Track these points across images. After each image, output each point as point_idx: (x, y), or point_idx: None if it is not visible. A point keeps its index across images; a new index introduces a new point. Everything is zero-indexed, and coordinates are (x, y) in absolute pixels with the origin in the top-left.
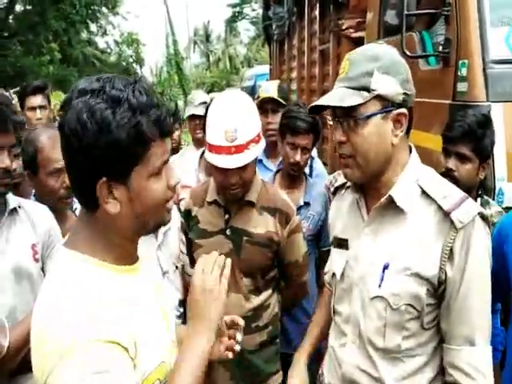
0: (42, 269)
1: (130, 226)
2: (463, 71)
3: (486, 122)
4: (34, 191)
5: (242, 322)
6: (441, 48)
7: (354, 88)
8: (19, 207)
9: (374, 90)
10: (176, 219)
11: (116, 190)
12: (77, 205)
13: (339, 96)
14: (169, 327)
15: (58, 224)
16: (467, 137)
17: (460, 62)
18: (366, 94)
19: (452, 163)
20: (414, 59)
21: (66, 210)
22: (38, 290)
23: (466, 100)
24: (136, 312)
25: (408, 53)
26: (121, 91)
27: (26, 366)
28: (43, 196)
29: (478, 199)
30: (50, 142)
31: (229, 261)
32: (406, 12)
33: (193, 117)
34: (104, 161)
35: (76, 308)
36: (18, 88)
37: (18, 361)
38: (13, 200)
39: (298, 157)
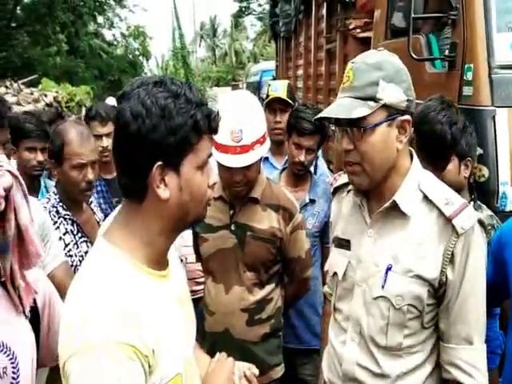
0: None
1: (174, 216)
2: (469, 75)
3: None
4: (55, 181)
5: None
6: (447, 52)
7: (360, 98)
8: None
9: (380, 100)
10: None
11: (168, 176)
12: (92, 198)
13: (346, 107)
14: (188, 340)
15: (75, 214)
16: None
17: (466, 66)
18: (372, 103)
19: None
20: (421, 62)
21: (83, 202)
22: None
23: (471, 104)
24: (159, 321)
25: (414, 55)
26: (179, 87)
27: None
28: (65, 186)
29: (471, 203)
30: (77, 138)
31: None
32: (413, 15)
33: None
34: (162, 145)
35: (102, 306)
36: (25, 79)
37: None
38: None
39: (302, 157)
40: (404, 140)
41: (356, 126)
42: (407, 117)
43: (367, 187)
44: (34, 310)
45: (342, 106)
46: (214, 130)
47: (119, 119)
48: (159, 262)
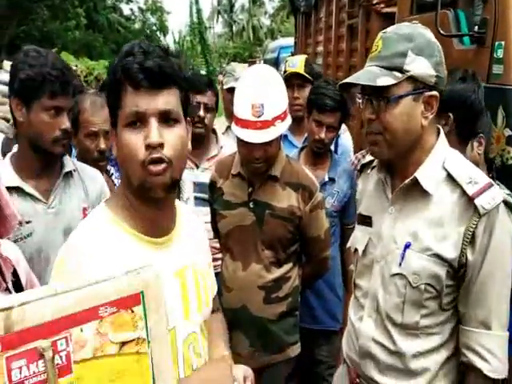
0: None
1: (124, 177)
2: (499, 53)
3: None
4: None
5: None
6: (476, 28)
7: (386, 68)
8: (74, 171)
9: (407, 71)
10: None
11: (114, 132)
12: (113, 170)
13: (372, 75)
14: (188, 315)
15: None
16: None
17: (496, 43)
18: (398, 74)
19: None
20: (448, 38)
21: (102, 173)
22: None
23: (502, 83)
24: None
25: (442, 31)
26: (132, 47)
27: None
28: (81, 156)
29: None
30: (91, 107)
31: None
32: None
33: (232, 89)
34: (108, 103)
35: (76, 254)
36: None
37: None
38: (69, 163)
39: (322, 134)
40: (430, 116)
41: (381, 96)
42: (435, 93)
43: (386, 157)
44: (19, 286)
45: (367, 74)
46: (136, 85)
47: None
48: (150, 229)
